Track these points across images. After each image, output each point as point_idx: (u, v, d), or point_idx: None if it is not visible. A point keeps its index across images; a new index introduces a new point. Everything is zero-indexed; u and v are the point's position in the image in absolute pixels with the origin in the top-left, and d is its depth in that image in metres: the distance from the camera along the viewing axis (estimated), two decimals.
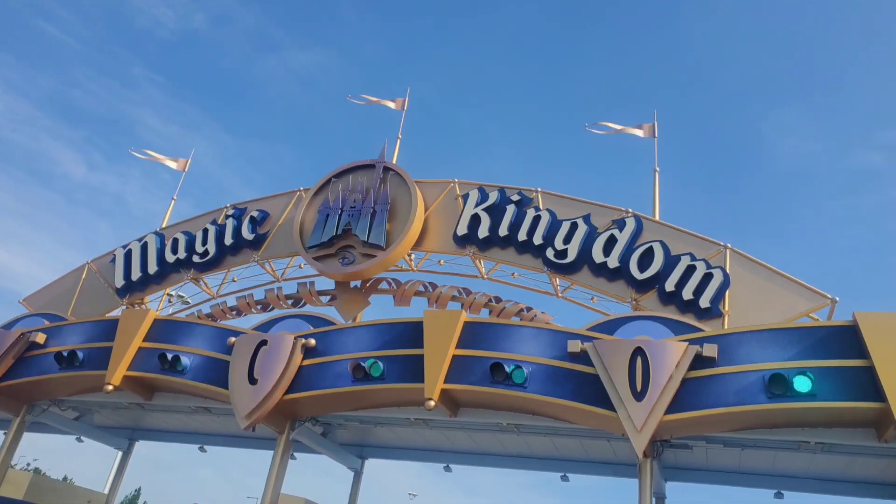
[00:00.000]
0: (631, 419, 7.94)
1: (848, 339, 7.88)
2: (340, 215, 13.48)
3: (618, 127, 14.30)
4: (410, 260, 13.82)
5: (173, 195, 17.15)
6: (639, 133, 14.21)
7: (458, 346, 9.27)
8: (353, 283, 13.61)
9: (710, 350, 8.19)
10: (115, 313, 14.37)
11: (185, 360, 10.63)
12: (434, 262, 13.83)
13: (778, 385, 7.72)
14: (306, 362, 10.03)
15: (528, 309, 12.69)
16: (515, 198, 12.75)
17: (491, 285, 13.33)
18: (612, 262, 11.50)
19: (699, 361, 8.20)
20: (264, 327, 11.03)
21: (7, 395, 12.10)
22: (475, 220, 12.78)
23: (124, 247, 15.55)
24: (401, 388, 9.45)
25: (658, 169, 13.24)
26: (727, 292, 10.64)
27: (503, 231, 12.50)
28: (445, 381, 9.04)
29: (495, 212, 12.70)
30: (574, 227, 12.04)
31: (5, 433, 12.59)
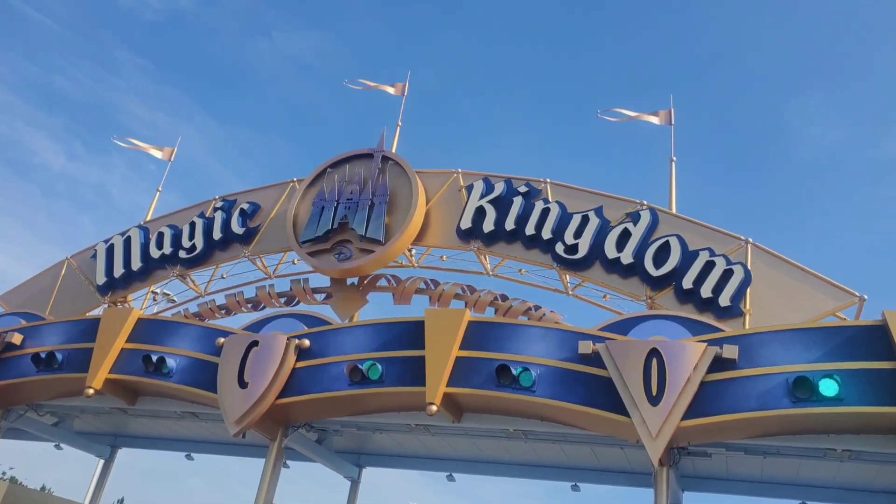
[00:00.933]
0: (646, 425, 7.95)
1: (877, 340, 7.88)
2: (336, 208, 13.49)
3: (632, 114, 14.31)
4: (411, 255, 13.83)
5: (158, 186, 17.21)
6: (654, 120, 14.22)
7: (461, 347, 9.28)
8: (349, 280, 13.65)
9: (730, 351, 8.20)
10: (97, 312, 14.41)
11: (170, 362, 10.66)
12: (436, 258, 13.86)
13: (803, 389, 7.73)
14: (300, 364, 10.05)
15: (537, 307, 12.71)
16: (523, 189, 12.75)
17: (496, 282, 13.37)
18: (626, 257, 11.51)
19: (719, 363, 8.20)
20: (255, 327, 11.06)
21: None
22: (480, 212, 12.79)
23: (106, 241, 15.59)
24: (401, 392, 9.47)
25: (675, 158, 13.27)
26: (748, 290, 10.66)
27: (510, 224, 12.51)
28: (448, 385, 9.06)
29: (501, 204, 12.71)
30: (585, 220, 12.05)
31: None
